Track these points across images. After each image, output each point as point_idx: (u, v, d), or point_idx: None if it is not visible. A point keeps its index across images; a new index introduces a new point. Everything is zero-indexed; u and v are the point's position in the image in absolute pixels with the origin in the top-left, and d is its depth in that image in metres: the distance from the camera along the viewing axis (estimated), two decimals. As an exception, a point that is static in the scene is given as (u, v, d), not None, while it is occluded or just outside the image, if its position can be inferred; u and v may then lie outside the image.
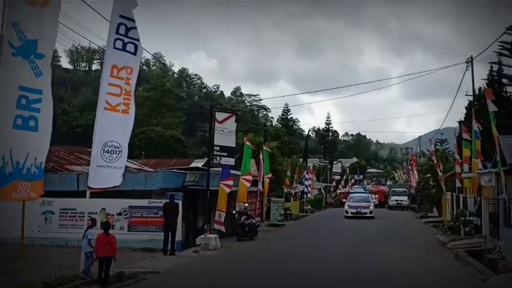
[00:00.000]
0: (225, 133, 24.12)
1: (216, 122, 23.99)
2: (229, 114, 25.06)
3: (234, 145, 24.64)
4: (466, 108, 48.01)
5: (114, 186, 14.78)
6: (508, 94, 43.75)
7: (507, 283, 12.60)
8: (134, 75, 14.88)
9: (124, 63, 14.66)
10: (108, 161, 14.29)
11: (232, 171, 25.12)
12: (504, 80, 43.70)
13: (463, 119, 45.20)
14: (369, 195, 48.66)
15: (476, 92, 36.33)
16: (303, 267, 16.44)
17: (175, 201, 19.84)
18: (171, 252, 19.09)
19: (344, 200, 52.04)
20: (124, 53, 14.62)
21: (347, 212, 42.06)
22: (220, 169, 24.24)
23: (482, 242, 19.29)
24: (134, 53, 14.88)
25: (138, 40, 14.82)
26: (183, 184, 22.56)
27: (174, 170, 24.14)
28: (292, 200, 45.90)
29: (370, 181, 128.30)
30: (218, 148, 23.93)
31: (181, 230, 20.70)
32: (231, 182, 24.17)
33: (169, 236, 19.28)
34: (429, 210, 47.03)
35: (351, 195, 47.38)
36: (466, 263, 17.18)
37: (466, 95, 34.66)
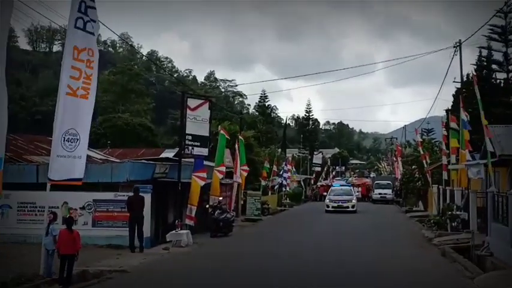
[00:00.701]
0: (197, 121, 23.99)
1: (188, 109, 23.82)
2: (202, 101, 24.93)
3: (207, 134, 24.53)
4: (453, 95, 48.51)
5: (77, 179, 14.61)
6: (498, 81, 44.34)
7: (495, 281, 12.81)
8: (96, 58, 14.70)
9: (85, 44, 14.45)
10: (69, 151, 14.12)
11: (205, 162, 25.08)
12: (494, 66, 44.26)
13: (450, 107, 45.96)
14: (351, 188, 49.05)
15: (465, 79, 36.79)
16: (279, 266, 16.48)
17: (141, 194, 19.69)
18: (139, 249, 19.01)
19: (325, 194, 52.40)
20: (85, 33, 14.41)
21: (328, 206, 42.37)
22: (192, 160, 24.17)
23: (469, 238, 19.54)
24: (93, 34, 14.70)
25: (95, 21, 14.62)
26: (152, 176, 22.45)
27: (143, 161, 24.00)
28: (269, 194, 46.02)
29: (352, 173, 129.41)
30: (190, 137, 23.78)
31: (150, 225, 20.62)
32: (204, 174, 24.14)
33: (136, 232, 19.18)
34: (414, 204, 47.59)
35: (332, 188, 47.73)
36: (453, 260, 17.41)
37: (454, 81, 35.14)
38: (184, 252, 19.72)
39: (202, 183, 23.89)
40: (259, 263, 17.11)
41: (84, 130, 14.65)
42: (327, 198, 44.42)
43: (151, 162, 23.80)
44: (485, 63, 45.09)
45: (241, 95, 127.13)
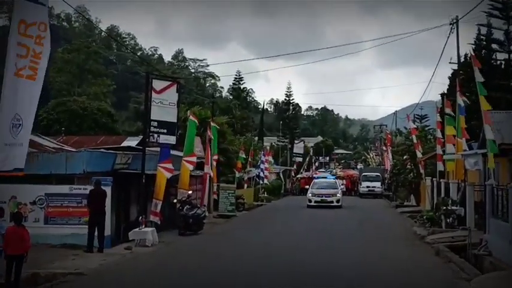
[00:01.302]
0: (164, 105, 23.84)
1: (153, 92, 23.62)
2: (169, 83, 24.76)
3: (175, 120, 24.39)
4: (449, 78, 48.97)
5: (19, 169, 14.38)
6: (498, 62, 44.76)
7: (494, 283, 12.99)
8: (48, 33, 14.47)
9: (35, 17, 14.23)
10: (17, 138, 13.96)
11: (172, 152, 25.01)
12: (494, 46, 44.66)
13: (446, 91, 46.39)
14: (336, 181, 49.28)
15: (462, 59, 37.03)
16: (254, 268, 16.55)
17: (102, 187, 19.58)
18: (98, 249, 18.90)
19: (306, 187, 52.65)
20: (35, 4, 14.18)
21: (310, 201, 42.61)
22: (158, 149, 24.06)
23: (466, 236, 19.74)
24: (45, 5, 14.47)
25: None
26: (112, 167, 22.30)
27: (102, 150, 23.77)
28: (245, 187, 46.08)
29: (337, 164, 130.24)
30: (156, 123, 23.62)
31: (110, 222, 20.51)
32: (170, 165, 24.03)
33: (96, 230, 19.07)
34: (406, 199, 48.10)
35: (315, 180, 47.94)
36: (448, 260, 17.65)
37: (450, 62, 35.35)
38: (149, 253, 19.67)
39: (169, 175, 23.80)
40: (232, 265, 17.14)
41: (29, 115, 14.49)
42: (309, 191, 44.67)
43: (111, 151, 23.59)
44: (484, 43, 45.61)
45: (213, 76, 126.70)
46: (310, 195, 43.61)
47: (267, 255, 18.89)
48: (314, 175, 64.88)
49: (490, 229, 18.48)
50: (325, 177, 51.88)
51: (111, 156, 22.73)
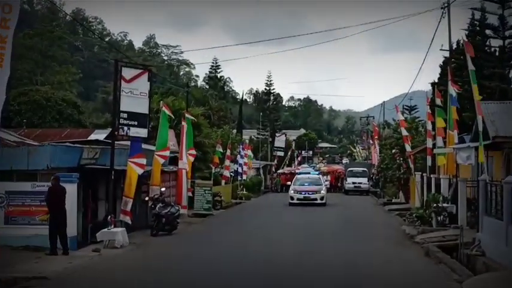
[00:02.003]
0: (134, 95, 23.74)
1: (122, 81, 23.51)
2: (140, 71, 24.64)
3: (146, 111, 24.32)
4: (440, 66, 49.25)
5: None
6: (492, 49, 45.06)
7: (487, 285, 13.11)
8: (14, 16, 14.33)
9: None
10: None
11: (144, 146, 24.92)
12: (488, 31, 44.93)
13: (436, 80, 46.67)
14: (320, 176, 49.39)
15: (454, 46, 37.28)
16: (231, 271, 16.57)
17: (63, 184, 19.46)
18: (63, 251, 18.80)
19: (288, 183, 52.77)
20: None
21: (292, 198, 42.81)
22: (128, 143, 23.96)
23: (458, 235, 19.94)
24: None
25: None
26: (79, 162, 22.16)
27: (67, 144, 23.60)
28: (223, 183, 46.05)
29: (321, 158, 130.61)
30: (126, 115, 23.53)
31: (77, 222, 20.44)
32: (143, 160, 23.96)
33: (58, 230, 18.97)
34: (394, 195, 48.45)
35: (297, 176, 47.96)
36: (438, 261, 17.82)
37: (441, 49, 35.34)
38: (119, 255, 19.59)
39: (141, 170, 23.74)
40: (207, 269, 17.14)
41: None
42: (291, 188, 44.86)
43: (77, 145, 23.43)
44: (477, 28, 45.83)
45: (187, 64, 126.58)
46: (292, 192, 43.78)
47: (245, 258, 18.90)
48: (296, 170, 64.89)
49: (483, 228, 18.63)
50: (309, 173, 51.85)
51: (77, 151, 22.53)
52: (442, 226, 24.78)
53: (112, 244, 20.62)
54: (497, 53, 44.27)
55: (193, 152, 33.25)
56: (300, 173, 51.49)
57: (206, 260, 18.77)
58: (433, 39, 41.72)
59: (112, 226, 21.27)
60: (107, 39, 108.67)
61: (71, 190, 19.77)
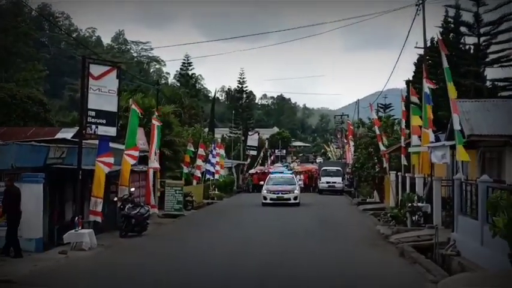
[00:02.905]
0: (103, 93, 23.45)
1: (90, 78, 23.25)
2: (108, 68, 24.32)
3: (115, 109, 23.99)
4: (415, 64, 49.71)
5: None
6: (467, 46, 45.52)
7: (462, 285, 13.21)
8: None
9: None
10: None
11: (112, 145, 24.73)
12: (462, 29, 45.35)
13: (411, 78, 47.06)
14: (293, 176, 49.59)
15: (429, 44, 37.59)
16: (203, 273, 16.59)
17: (27, 184, 19.47)
18: (15, 254, 18.59)
19: (261, 183, 52.85)
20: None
21: (265, 198, 42.92)
22: (97, 142, 23.77)
23: (433, 235, 20.16)
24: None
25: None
26: (45, 162, 22.02)
27: (33, 143, 23.36)
28: (194, 183, 45.93)
29: (295, 157, 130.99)
30: (94, 113, 23.20)
31: (42, 224, 20.28)
32: (110, 159, 23.77)
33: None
34: (369, 195, 48.88)
35: (270, 176, 48.12)
36: (413, 261, 17.96)
37: (415, 47, 35.63)
38: (87, 257, 19.44)
39: (107, 169, 23.53)
40: (179, 270, 17.13)
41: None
42: (264, 188, 44.94)
43: (43, 144, 23.20)
44: (452, 26, 46.27)
45: (158, 60, 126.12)
46: (265, 191, 43.88)
47: (215, 260, 18.88)
48: (270, 170, 64.98)
49: (458, 227, 18.83)
50: (282, 172, 52.00)
51: (43, 150, 22.34)
52: (416, 226, 24.98)
53: (79, 246, 20.44)
54: (471, 51, 44.75)
55: (159, 151, 33.09)
56: (273, 173, 51.63)
57: (176, 261, 18.71)
58: (407, 36, 42.16)
59: (79, 228, 21.07)
60: (74, 35, 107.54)
61: (37, 191, 19.65)
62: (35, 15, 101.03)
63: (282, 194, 42.85)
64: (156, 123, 31.58)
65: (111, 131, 23.82)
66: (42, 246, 20.06)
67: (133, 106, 27.75)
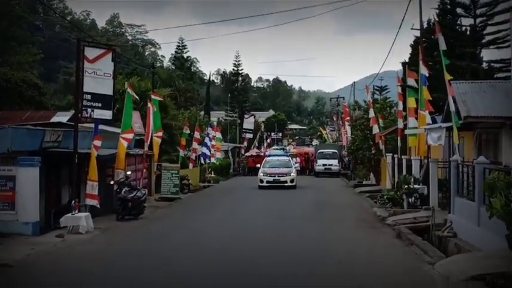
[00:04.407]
0: (98, 76, 23.42)
1: (85, 61, 23.19)
2: (103, 51, 24.26)
3: (111, 92, 24.04)
4: (411, 46, 49.55)
5: None
6: (463, 28, 45.34)
7: (459, 266, 13.21)
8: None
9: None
10: None
11: (109, 128, 24.64)
12: (458, 10, 45.15)
13: (407, 60, 46.89)
14: (290, 159, 49.42)
15: (425, 26, 37.39)
16: (200, 257, 16.54)
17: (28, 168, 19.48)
18: None
19: (258, 166, 52.68)
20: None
21: (262, 181, 42.87)
22: (93, 125, 23.70)
23: (429, 216, 20.17)
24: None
25: None
26: (41, 146, 21.92)
27: (28, 127, 23.25)
28: (190, 167, 45.89)
29: (291, 140, 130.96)
30: (89, 96, 23.24)
31: (39, 208, 20.30)
32: (98, 142, 23.39)
33: None
34: (365, 177, 48.89)
35: (266, 159, 47.90)
36: (410, 243, 18.01)
37: (412, 28, 35.57)
38: (84, 241, 19.45)
39: (96, 152, 23.30)
40: (176, 253, 17.17)
41: None
42: (260, 171, 44.71)
43: (39, 128, 23.09)
44: (448, 7, 46.06)
45: (153, 43, 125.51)
46: (261, 174, 43.71)
47: (212, 244, 18.83)
48: (266, 152, 64.87)
49: (455, 209, 18.82)
50: (278, 155, 51.90)
51: (39, 134, 22.24)
52: (413, 208, 24.94)
53: (76, 230, 20.48)
54: (468, 33, 44.59)
55: (160, 134, 33.07)
56: (269, 155, 51.51)
57: (172, 245, 18.72)
58: (403, 17, 42.14)
59: (76, 211, 21.07)
60: (69, 18, 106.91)
61: (33, 174, 19.65)
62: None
63: (278, 176, 42.68)
64: (151, 106, 31.45)
65: (107, 114, 23.86)
66: (39, 230, 20.05)
67: (128, 89, 27.62)
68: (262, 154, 65.51)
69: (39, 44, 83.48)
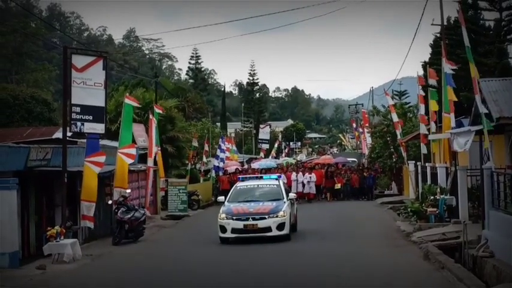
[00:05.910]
0: (88, 86, 21.67)
1: (73, 70, 21.47)
2: (93, 59, 22.32)
3: (103, 104, 22.28)
4: (431, 46, 47.88)
5: None
6: (487, 24, 43.55)
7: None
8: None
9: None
10: None
11: (106, 143, 23.55)
12: (482, 4, 43.40)
13: (427, 61, 44.95)
14: (281, 182, 25.22)
15: (445, 23, 35.58)
16: None
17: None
18: None
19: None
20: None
21: (224, 229, 21.90)
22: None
23: (459, 231, 18.18)
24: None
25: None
26: (25, 164, 19.98)
27: (10, 144, 21.26)
28: (201, 181, 43.65)
29: (310, 149, 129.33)
30: (79, 109, 21.52)
31: (17, 235, 18.29)
32: (101, 158, 21.97)
33: None
34: (386, 187, 46.92)
35: (237, 185, 25.37)
36: (440, 266, 15.44)
37: (432, 24, 33.92)
38: (68, 272, 17.01)
39: (98, 169, 21.77)
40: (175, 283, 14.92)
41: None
42: (221, 209, 22.81)
43: (23, 145, 21.09)
44: (470, 1, 44.13)
45: (169, 57, 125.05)
46: (223, 216, 22.09)
47: (221, 271, 16.45)
48: (252, 165, 48.67)
49: (490, 223, 16.63)
50: (261, 177, 28.30)
51: (22, 151, 20.25)
52: (440, 221, 22.67)
53: (61, 258, 18.16)
54: (492, 28, 43.24)
55: (157, 149, 30.89)
56: (242, 179, 27.34)
57: (169, 276, 16.16)
58: (423, 13, 39.94)
59: (62, 237, 18.80)
60: (85, 34, 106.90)
61: (8, 198, 17.38)
62: (45, 15, 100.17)
63: (253, 219, 21.60)
64: (153, 118, 29.57)
65: (99, 127, 22.20)
66: (18, 261, 17.80)
67: (127, 100, 25.93)
68: (247, 168, 47.24)
69: (55, 60, 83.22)
